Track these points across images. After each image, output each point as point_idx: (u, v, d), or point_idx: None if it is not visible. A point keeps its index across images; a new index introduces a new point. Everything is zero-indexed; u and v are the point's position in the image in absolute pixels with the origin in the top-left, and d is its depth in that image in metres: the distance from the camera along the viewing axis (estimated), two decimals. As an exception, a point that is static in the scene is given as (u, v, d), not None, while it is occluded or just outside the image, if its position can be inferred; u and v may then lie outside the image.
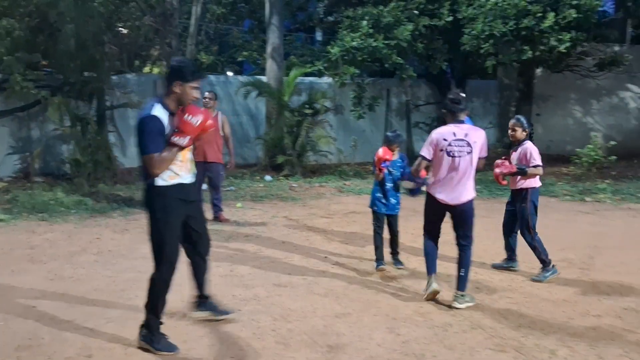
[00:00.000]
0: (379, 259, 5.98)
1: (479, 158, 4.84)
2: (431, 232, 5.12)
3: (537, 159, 5.65)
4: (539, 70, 15.61)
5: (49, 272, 5.71)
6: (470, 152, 4.76)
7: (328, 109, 13.48)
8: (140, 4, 12.72)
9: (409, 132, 14.92)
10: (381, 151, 5.75)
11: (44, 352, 3.92)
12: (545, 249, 5.73)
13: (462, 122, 4.84)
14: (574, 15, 11.51)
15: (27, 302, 4.88)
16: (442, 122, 5.02)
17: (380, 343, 4.16)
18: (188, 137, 3.77)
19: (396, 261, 6.09)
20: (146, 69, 17.29)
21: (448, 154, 4.76)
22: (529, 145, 5.74)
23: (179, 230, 4.01)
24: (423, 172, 5.14)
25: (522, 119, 5.90)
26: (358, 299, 5.09)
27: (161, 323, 4.07)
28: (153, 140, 3.72)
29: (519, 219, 5.83)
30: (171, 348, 3.95)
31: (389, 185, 5.93)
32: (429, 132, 15.33)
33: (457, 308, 4.81)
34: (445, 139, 4.78)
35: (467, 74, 15.61)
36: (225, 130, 8.20)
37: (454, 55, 13.76)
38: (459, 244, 4.97)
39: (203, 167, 7.73)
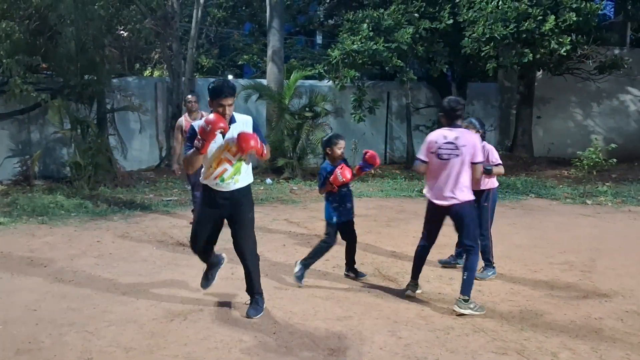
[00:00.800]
0: (304, 273, 5.56)
1: (473, 163, 4.86)
2: (427, 235, 5.17)
3: (498, 158, 5.79)
4: (539, 73, 15.61)
5: (49, 276, 5.70)
6: (458, 155, 4.82)
7: (328, 112, 13.49)
8: (140, 7, 12.74)
9: (409, 135, 14.90)
10: (347, 174, 5.24)
11: (44, 356, 3.91)
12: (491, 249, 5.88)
13: (458, 126, 4.92)
14: (574, 19, 11.53)
15: (27, 305, 4.87)
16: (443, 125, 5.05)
17: (382, 346, 4.15)
18: (202, 141, 4.21)
19: (358, 273, 5.73)
20: (147, 72, 17.32)
21: (438, 156, 4.87)
22: (488, 146, 5.84)
23: (204, 222, 4.65)
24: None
25: (474, 120, 5.94)
26: (359, 302, 5.07)
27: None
28: (186, 142, 4.48)
29: (480, 218, 5.76)
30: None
31: (343, 190, 5.45)
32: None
33: (456, 312, 4.76)
34: (436, 142, 4.90)
35: (467, 76, 15.62)
36: None
37: (454, 58, 13.77)
38: (463, 247, 5.02)
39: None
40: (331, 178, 5.27)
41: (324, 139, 5.69)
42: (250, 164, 4.67)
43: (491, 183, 5.83)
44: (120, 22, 12.37)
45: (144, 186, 11.15)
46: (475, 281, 5.02)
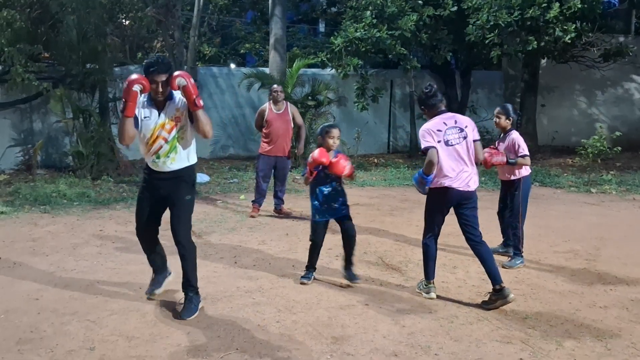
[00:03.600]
0: (311, 269, 5.37)
1: (474, 141, 4.74)
2: (434, 231, 4.89)
3: (524, 149, 5.73)
4: (543, 61, 15.51)
5: (52, 265, 5.69)
6: (465, 137, 4.69)
7: (331, 100, 13.43)
8: (142, -5, 12.66)
9: (412, 123, 14.84)
10: (317, 152, 5.01)
11: (46, 345, 3.89)
12: (523, 240, 5.85)
13: (444, 111, 4.78)
14: (579, 6, 11.43)
15: (29, 294, 4.86)
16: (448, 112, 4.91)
17: (385, 335, 4.13)
18: (124, 102, 4.14)
19: (352, 275, 5.30)
20: (148, 61, 17.25)
21: (447, 143, 4.65)
22: (515, 135, 5.81)
23: (143, 204, 4.55)
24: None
25: (508, 106, 5.91)
26: (362, 290, 5.05)
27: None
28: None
29: (509, 207, 5.93)
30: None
31: (327, 189, 5.16)
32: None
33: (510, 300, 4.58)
34: (439, 130, 4.66)
35: (471, 64, 15.52)
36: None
37: (458, 46, 13.67)
38: (468, 239, 4.77)
39: (274, 160, 8.01)
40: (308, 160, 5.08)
41: (319, 128, 5.38)
42: (194, 144, 4.49)
43: (520, 172, 5.81)
44: (121, 10, 12.29)
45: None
46: (481, 269, 4.99)
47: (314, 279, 5.32)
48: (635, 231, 7.39)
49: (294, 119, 8.22)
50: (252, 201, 8.15)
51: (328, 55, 13.24)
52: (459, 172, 4.67)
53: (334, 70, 13.36)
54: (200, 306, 4.49)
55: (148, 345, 3.91)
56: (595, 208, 8.81)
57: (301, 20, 21.27)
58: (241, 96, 14.13)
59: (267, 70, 13.70)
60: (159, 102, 4.30)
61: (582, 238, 6.95)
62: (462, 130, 4.70)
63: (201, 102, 4.20)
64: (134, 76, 4.14)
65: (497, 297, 4.60)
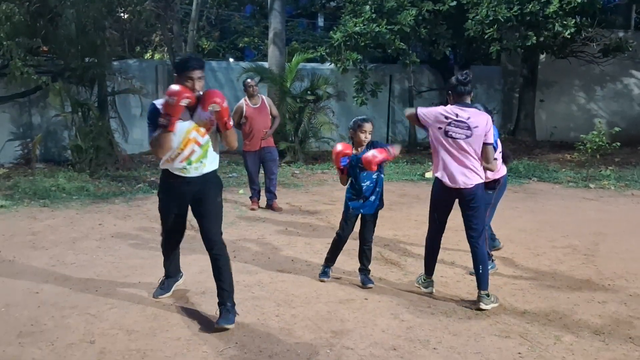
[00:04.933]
0: (328, 269, 5.21)
1: (485, 144, 4.58)
2: (435, 223, 4.82)
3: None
4: (543, 56, 15.49)
5: (51, 259, 5.69)
6: (469, 136, 4.52)
7: (330, 95, 13.40)
8: (141, -12, 12.61)
9: (411, 118, 14.84)
10: (340, 146, 4.91)
11: (46, 339, 3.91)
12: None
13: (467, 105, 4.64)
14: (579, 1, 11.40)
15: (29, 288, 4.86)
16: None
17: (384, 329, 4.14)
18: (168, 117, 3.87)
19: (367, 279, 5.10)
20: (147, 55, 17.23)
21: (446, 133, 4.54)
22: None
23: (172, 209, 4.34)
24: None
25: (480, 105, 5.73)
26: (363, 286, 5.06)
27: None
28: (150, 124, 4.11)
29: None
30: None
31: (365, 184, 4.95)
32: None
33: (482, 310, 4.50)
34: (447, 116, 4.55)
35: (470, 59, 15.50)
36: None
37: (457, 41, 13.65)
38: (468, 237, 4.69)
39: (259, 154, 7.94)
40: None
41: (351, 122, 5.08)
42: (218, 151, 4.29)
43: (502, 171, 5.45)
44: (120, 4, 12.24)
45: (145, 169, 11.13)
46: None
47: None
48: (633, 226, 7.40)
49: (270, 111, 8.16)
50: (250, 197, 8.22)
51: (327, 50, 13.22)
52: (453, 167, 4.57)
53: (333, 64, 13.34)
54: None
55: (148, 338, 3.93)
56: (594, 203, 8.82)
57: (300, 15, 21.22)
58: (240, 90, 13.97)
59: (266, 64, 13.67)
60: (190, 103, 4.01)
61: (581, 233, 6.96)
62: (469, 128, 4.51)
63: (231, 124, 4.05)
64: (177, 88, 3.85)
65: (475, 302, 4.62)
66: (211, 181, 4.26)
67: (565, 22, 11.61)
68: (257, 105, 8.02)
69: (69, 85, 10.91)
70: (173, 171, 4.17)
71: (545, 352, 3.82)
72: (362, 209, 4.99)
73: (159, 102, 4.05)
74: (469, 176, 4.57)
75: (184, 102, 3.83)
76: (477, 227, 4.63)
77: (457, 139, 4.53)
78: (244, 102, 8.04)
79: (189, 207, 4.32)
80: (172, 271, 4.75)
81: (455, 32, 13.04)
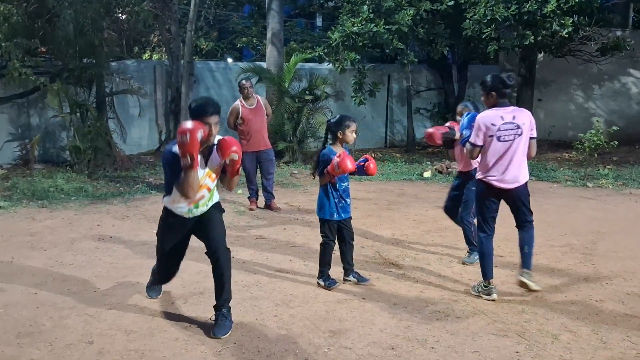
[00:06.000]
0: (330, 276, 5.07)
1: (530, 138, 4.70)
2: (489, 227, 4.82)
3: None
4: (540, 55, 15.50)
5: (50, 259, 5.70)
6: (520, 135, 4.60)
7: (329, 95, 13.41)
8: (139, -11, 12.61)
9: (410, 118, 14.84)
10: (349, 163, 4.69)
11: (45, 339, 3.92)
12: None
13: (506, 104, 4.69)
14: (577, 0, 11.41)
15: (28, 289, 4.87)
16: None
17: (382, 328, 4.15)
18: (188, 155, 3.75)
19: (359, 276, 5.13)
20: (145, 55, 17.21)
21: (498, 139, 4.59)
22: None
23: (174, 241, 4.30)
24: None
25: (468, 104, 5.74)
26: (360, 285, 5.07)
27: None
28: (168, 169, 4.02)
29: (464, 201, 5.66)
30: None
31: (344, 184, 4.98)
32: (430, 117, 15.41)
33: (534, 290, 4.78)
34: (493, 124, 4.59)
35: (468, 59, 15.51)
36: None
37: (455, 41, 13.65)
38: (521, 225, 4.85)
39: (256, 155, 7.94)
40: (328, 167, 4.79)
41: (332, 120, 5.00)
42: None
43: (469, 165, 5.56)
44: (118, 4, 12.23)
45: (143, 170, 11.13)
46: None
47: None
48: (631, 225, 7.42)
49: (266, 111, 8.22)
50: (248, 197, 8.26)
51: (325, 50, 13.21)
52: (505, 170, 4.65)
53: (331, 64, 13.34)
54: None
55: (146, 339, 3.93)
56: (592, 202, 8.84)
57: (298, 15, 21.19)
58: (238, 90, 14.09)
59: (264, 64, 13.67)
60: (204, 149, 3.98)
61: (579, 232, 6.97)
62: (518, 127, 4.60)
63: (241, 171, 4.13)
64: (190, 124, 3.75)
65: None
66: (214, 206, 4.27)
67: (562, 21, 11.61)
68: (253, 106, 8.04)
69: (67, 85, 10.91)
70: (178, 213, 4.14)
71: (543, 351, 3.83)
72: (343, 214, 4.98)
73: (173, 148, 3.90)
74: (521, 176, 4.71)
75: (199, 135, 3.75)
76: (530, 216, 4.84)
77: (509, 140, 4.61)
78: (239, 103, 8.06)
79: (190, 236, 4.33)
80: (165, 282, 4.71)
81: (453, 31, 13.05)
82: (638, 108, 16.33)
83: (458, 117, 5.75)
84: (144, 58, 16.50)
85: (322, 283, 5.01)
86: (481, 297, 4.77)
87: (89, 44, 10.85)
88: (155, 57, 17.15)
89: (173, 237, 4.27)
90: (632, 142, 14.33)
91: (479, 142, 4.67)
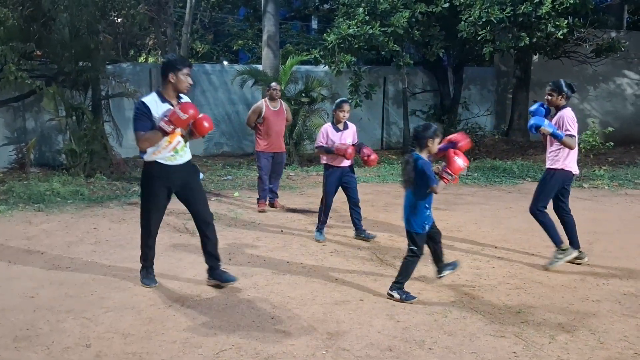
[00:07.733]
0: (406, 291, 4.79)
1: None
2: (546, 208, 5.69)
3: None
4: (535, 57, 15.56)
5: (47, 263, 5.68)
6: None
7: (325, 97, 13.42)
8: (134, -8, 12.62)
9: (405, 120, 14.87)
10: (461, 162, 4.67)
11: (42, 343, 3.90)
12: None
13: (566, 106, 5.52)
14: (571, 1, 11.46)
15: (25, 292, 4.86)
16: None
17: (380, 330, 4.16)
18: (172, 127, 4.47)
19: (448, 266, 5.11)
20: (141, 58, 17.22)
21: (579, 133, 5.71)
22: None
23: (159, 200, 4.83)
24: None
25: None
26: (357, 286, 5.08)
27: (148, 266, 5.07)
28: (139, 120, 4.63)
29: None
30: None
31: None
32: (426, 119, 15.41)
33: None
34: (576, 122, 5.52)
35: (464, 61, 15.56)
36: None
37: (450, 42, 13.69)
38: (563, 209, 5.78)
39: (272, 156, 8.19)
40: (445, 180, 4.66)
41: (420, 127, 4.80)
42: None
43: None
44: (114, 7, 12.25)
45: (139, 173, 11.09)
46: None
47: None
48: (627, 225, 7.44)
49: (287, 116, 8.47)
50: (258, 198, 8.28)
51: (321, 52, 13.24)
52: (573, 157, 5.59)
53: (327, 67, 13.37)
54: None
55: (144, 342, 3.93)
56: (588, 203, 8.86)
57: (294, 17, 21.25)
58: (234, 93, 14.12)
59: (260, 67, 13.69)
60: (174, 99, 4.70)
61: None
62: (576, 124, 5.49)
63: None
64: (191, 107, 4.48)
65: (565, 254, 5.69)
66: (192, 169, 4.92)
67: (557, 23, 11.67)
68: (276, 109, 8.25)
69: (63, 89, 10.90)
70: (162, 160, 4.69)
71: (540, 351, 3.84)
72: (430, 222, 4.84)
73: (147, 100, 4.62)
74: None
75: (191, 121, 4.49)
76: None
77: (575, 135, 5.46)
78: (264, 103, 8.23)
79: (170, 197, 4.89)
80: (152, 258, 5.08)
81: (449, 33, 13.09)
82: (633, 109, 16.40)
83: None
84: (139, 61, 16.50)
85: (397, 296, 4.72)
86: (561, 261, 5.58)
87: (84, 47, 10.84)
88: (151, 60, 17.15)
89: (160, 188, 4.76)
90: (627, 143, 14.39)
91: (575, 132, 5.48)
